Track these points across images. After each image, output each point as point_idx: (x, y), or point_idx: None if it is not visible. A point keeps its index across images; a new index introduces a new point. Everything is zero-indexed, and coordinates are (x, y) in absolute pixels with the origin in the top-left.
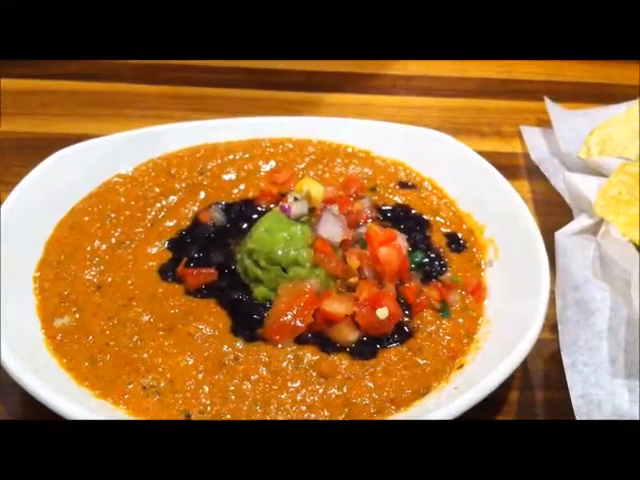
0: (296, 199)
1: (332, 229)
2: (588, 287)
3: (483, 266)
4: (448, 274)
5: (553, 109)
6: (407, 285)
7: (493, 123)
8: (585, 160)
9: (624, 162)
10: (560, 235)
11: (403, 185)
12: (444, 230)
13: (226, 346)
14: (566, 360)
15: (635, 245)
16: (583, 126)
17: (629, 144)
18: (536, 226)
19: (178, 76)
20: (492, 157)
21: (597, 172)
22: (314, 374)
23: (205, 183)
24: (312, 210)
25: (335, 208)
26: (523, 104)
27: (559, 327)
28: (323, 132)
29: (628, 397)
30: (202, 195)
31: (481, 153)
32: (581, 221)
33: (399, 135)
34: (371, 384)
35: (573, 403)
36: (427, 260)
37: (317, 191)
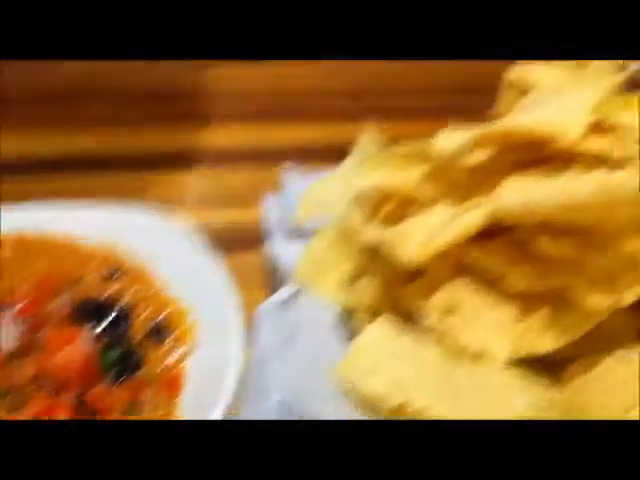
0: None
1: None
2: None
3: (183, 354)
4: (144, 368)
5: (287, 175)
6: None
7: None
8: (298, 224)
9: (327, 223)
10: (262, 308)
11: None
12: (145, 320)
13: None
14: None
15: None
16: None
17: (338, 203)
18: (236, 302)
19: None
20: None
21: (309, 234)
22: None
23: None
24: None
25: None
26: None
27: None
28: None
29: None
30: None
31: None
32: (284, 290)
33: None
34: None
35: None
36: (121, 357)
37: None
